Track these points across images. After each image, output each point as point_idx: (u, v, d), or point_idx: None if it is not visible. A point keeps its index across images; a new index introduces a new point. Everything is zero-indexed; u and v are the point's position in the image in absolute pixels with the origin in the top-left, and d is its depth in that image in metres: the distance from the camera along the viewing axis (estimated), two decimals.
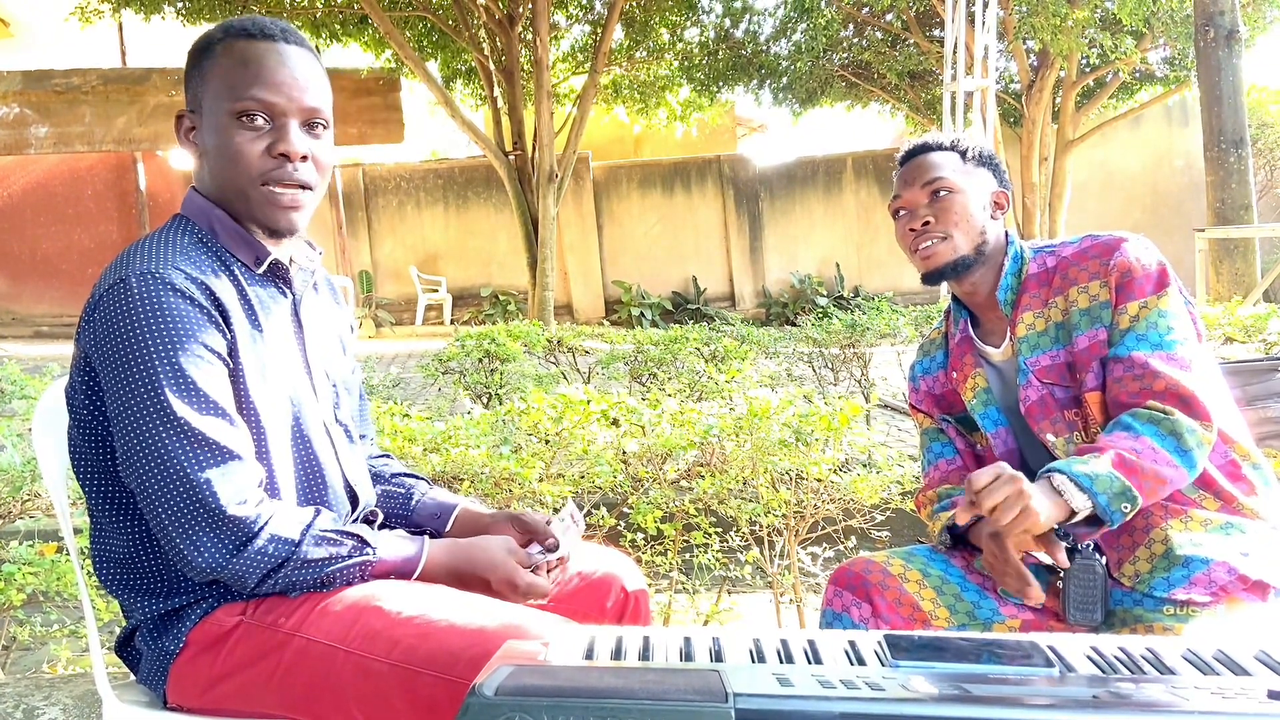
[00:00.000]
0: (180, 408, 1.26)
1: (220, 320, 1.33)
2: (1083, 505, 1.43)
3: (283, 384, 1.42)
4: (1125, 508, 1.44)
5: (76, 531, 1.64)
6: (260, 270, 1.44)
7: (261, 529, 1.29)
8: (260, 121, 1.37)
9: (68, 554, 2.27)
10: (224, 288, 1.36)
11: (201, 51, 1.41)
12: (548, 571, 1.50)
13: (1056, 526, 1.49)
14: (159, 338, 1.27)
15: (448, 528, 1.66)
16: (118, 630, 1.50)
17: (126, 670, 1.50)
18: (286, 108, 1.37)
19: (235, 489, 1.28)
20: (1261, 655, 1.02)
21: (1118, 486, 1.44)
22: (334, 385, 1.56)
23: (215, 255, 1.40)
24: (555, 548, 1.53)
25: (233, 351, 1.35)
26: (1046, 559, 1.51)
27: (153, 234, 1.40)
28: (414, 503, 1.69)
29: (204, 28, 12.08)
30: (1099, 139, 14.36)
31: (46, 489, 2.30)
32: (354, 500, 1.53)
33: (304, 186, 1.40)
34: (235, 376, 1.35)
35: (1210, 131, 9.45)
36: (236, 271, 1.41)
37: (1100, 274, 1.63)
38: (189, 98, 1.42)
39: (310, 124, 1.40)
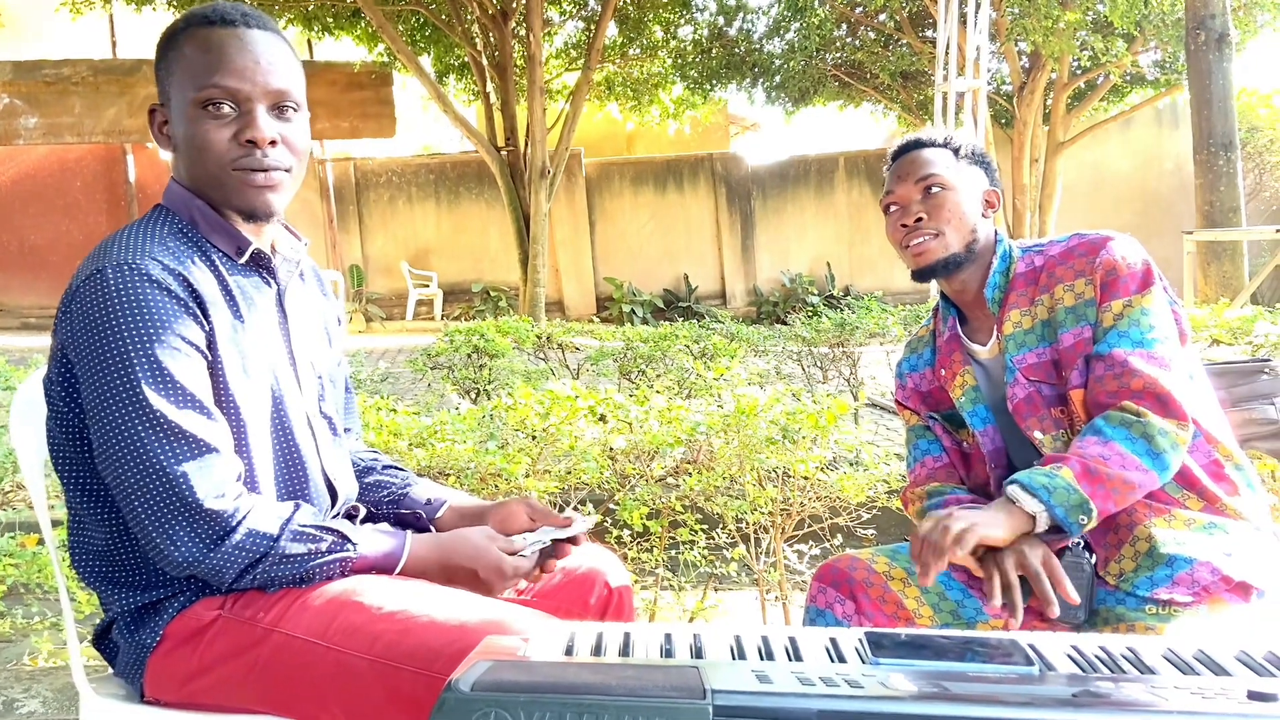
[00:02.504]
0: (156, 401, 1.25)
1: (198, 311, 1.32)
2: (1036, 510, 1.46)
3: (265, 375, 1.41)
4: (1083, 519, 1.47)
5: (55, 524, 1.62)
6: (242, 260, 1.42)
7: (239, 523, 1.28)
8: (226, 109, 1.34)
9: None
10: (203, 278, 1.35)
11: (166, 44, 1.40)
12: (550, 560, 1.52)
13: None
14: (135, 330, 1.26)
15: (438, 514, 1.65)
16: (98, 623, 1.49)
17: (106, 663, 1.49)
18: (251, 92, 1.34)
19: (212, 483, 1.27)
20: (1242, 655, 1.02)
21: (1075, 499, 1.46)
22: (319, 377, 1.55)
23: (195, 245, 1.39)
24: (569, 523, 1.55)
25: (211, 343, 1.33)
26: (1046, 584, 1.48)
27: (131, 225, 1.39)
28: (406, 492, 1.68)
29: None
30: (1090, 141, 14.41)
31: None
32: (333, 494, 1.52)
33: (277, 169, 1.38)
34: (214, 369, 1.33)
35: (1200, 134, 9.48)
36: (217, 261, 1.39)
37: (1086, 272, 1.63)
38: (160, 91, 1.40)
39: (279, 107, 1.38)
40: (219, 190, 1.38)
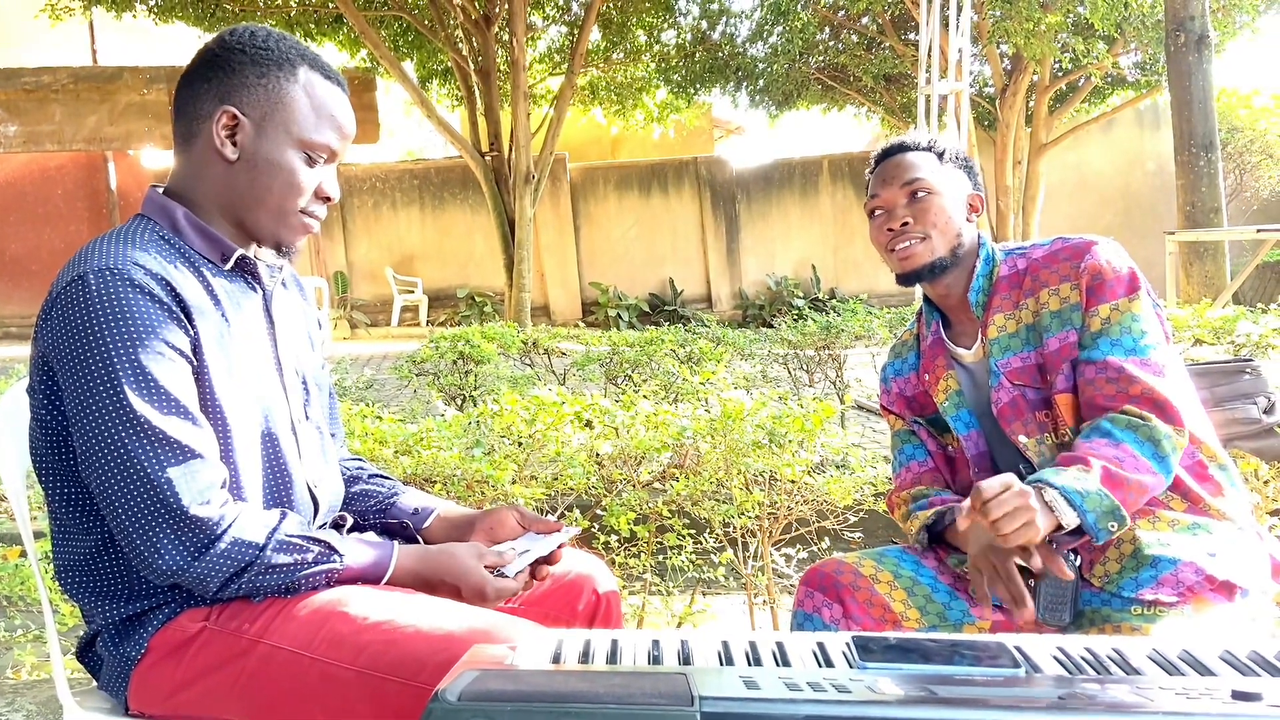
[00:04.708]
0: (140, 406, 1.24)
1: (183, 317, 1.31)
2: (1071, 521, 1.42)
3: (251, 381, 1.40)
4: (1112, 526, 1.43)
5: (38, 535, 1.61)
6: (228, 266, 1.42)
7: (224, 531, 1.27)
8: (321, 161, 1.43)
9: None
10: (188, 284, 1.34)
11: (277, 65, 1.40)
12: (536, 577, 1.51)
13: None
14: (118, 335, 1.25)
15: (426, 524, 1.65)
16: (82, 635, 1.48)
17: (90, 676, 1.48)
18: (338, 153, 1.46)
19: (197, 489, 1.26)
20: (1226, 655, 1.02)
21: (1107, 505, 1.42)
22: (304, 382, 1.54)
23: (179, 252, 1.38)
24: (558, 528, 1.58)
25: (196, 349, 1.32)
26: (1037, 564, 1.50)
27: (112, 231, 1.38)
28: (393, 501, 1.68)
29: (176, 26, 12.04)
30: (1072, 142, 14.49)
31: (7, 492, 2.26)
32: (315, 503, 1.51)
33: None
34: (199, 374, 1.33)
35: (1181, 135, 9.55)
36: (202, 267, 1.39)
37: (1071, 276, 1.64)
38: (243, 99, 1.38)
39: None
40: (271, 220, 1.42)
